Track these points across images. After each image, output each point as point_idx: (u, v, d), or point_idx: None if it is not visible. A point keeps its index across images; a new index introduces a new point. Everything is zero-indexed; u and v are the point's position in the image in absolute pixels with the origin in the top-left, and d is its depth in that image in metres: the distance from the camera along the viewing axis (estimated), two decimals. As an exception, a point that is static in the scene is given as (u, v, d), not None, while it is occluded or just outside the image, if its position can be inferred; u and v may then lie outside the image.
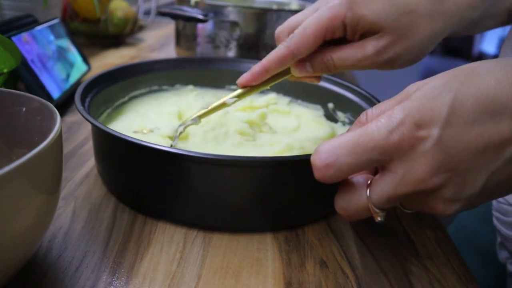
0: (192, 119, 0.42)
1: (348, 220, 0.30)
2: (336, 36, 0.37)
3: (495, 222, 0.55)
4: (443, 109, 0.25)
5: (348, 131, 0.30)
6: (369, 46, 0.36)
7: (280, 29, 0.40)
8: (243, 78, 0.39)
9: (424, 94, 0.26)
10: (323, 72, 0.39)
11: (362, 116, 0.29)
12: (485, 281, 0.63)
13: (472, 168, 0.25)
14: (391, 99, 0.29)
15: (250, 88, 0.40)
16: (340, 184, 0.30)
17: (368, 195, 0.28)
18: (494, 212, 0.55)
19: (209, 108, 0.41)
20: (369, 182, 0.28)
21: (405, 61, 0.38)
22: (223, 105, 0.41)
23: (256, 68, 0.38)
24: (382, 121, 0.26)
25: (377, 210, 0.28)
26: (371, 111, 0.29)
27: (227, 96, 0.41)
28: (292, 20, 0.39)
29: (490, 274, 0.63)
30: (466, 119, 0.25)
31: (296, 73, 0.39)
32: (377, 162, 0.27)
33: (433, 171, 0.25)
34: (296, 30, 0.37)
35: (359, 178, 0.29)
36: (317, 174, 0.27)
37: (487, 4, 0.40)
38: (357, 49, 0.37)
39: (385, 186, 0.27)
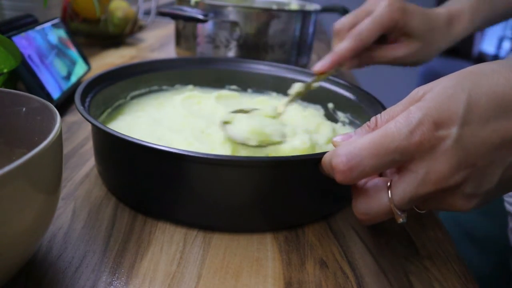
0: (291, 100, 0.48)
1: (366, 225, 0.31)
2: (385, 32, 0.51)
3: (507, 206, 0.55)
4: (460, 107, 0.26)
5: (355, 133, 0.31)
6: (402, 49, 0.53)
7: (340, 25, 0.52)
8: (322, 66, 0.49)
9: (438, 94, 0.27)
10: (364, 65, 0.55)
11: (372, 122, 0.30)
12: (480, 270, 0.63)
13: (489, 163, 0.26)
14: (397, 105, 0.30)
15: (318, 77, 0.50)
16: (354, 190, 0.31)
17: (390, 197, 0.28)
18: (506, 198, 0.55)
19: (300, 90, 0.49)
20: (388, 184, 0.28)
21: (420, 62, 0.55)
22: (309, 87, 0.49)
23: (333, 57, 0.49)
24: (401, 122, 0.26)
25: (399, 212, 0.28)
26: (380, 117, 0.30)
27: (308, 81, 0.50)
28: (349, 18, 0.52)
29: (487, 264, 0.63)
30: (482, 116, 0.26)
31: (346, 66, 0.53)
32: (398, 163, 0.27)
33: (454, 169, 0.26)
34: (363, 26, 0.49)
35: (376, 181, 0.30)
36: (340, 177, 0.28)
37: (489, 10, 0.55)
38: (393, 50, 0.53)
39: (407, 187, 0.27)
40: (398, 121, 0.27)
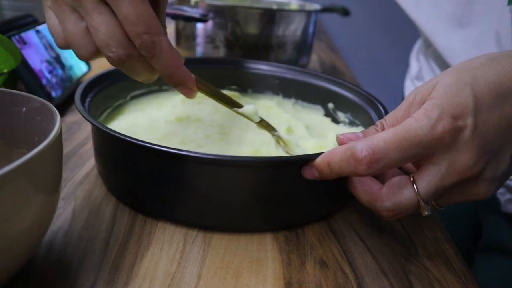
0: None
1: (390, 220, 0.33)
2: None
3: None
4: (469, 100, 0.28)
5: (364, 134, 0.32)
6: None
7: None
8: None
9: (445, 91, 0.29)
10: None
11: (378, 125, 0.32)
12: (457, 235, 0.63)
13: (501, 146, 0.29)
14: (397, 109, 0.32)
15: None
16: (361, 192, 0.32)
17: (416, 190, 0.29)
18: None
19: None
20: (411, 179, 0.30)
21: None
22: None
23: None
24: (421, 118, 0.28)
25: (424, 205, 0.30)
26: (385, 121, 0.32)
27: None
28: None
29: (462, 229, 0.63)
30: (488, 105, 0.28)
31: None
32: (419, 157, 0.29)
33: (476, 157, 0.28)
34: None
35: (398, 179, 0.31)
36: (364, 168, 0.29)
37: None
38: None
39: (432, 179, 0.29)
40: (417, 118, 0.28)
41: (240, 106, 0.40)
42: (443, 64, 0.59)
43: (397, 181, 0.31)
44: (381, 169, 0.29)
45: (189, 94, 0.36)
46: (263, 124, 0.42)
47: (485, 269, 0.57)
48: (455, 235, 0.62)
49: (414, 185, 0.29)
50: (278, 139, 0.43)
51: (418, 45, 0.69)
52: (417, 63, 0.68)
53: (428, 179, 0.29)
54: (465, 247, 0.63)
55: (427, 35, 0.57)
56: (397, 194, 0.30)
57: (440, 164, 0.28)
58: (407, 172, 0.33)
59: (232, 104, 0.39)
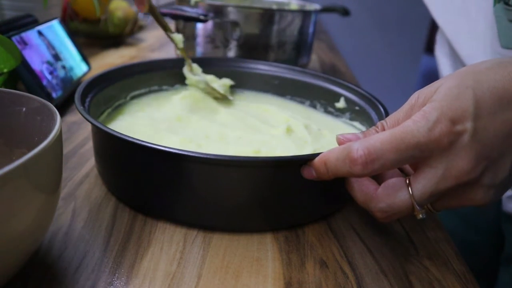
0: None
1: (384, 222, 0.33)
2: None
3: None
4: (469, 104, 0.27)
5: (363, 134, 0.32)
6: None
7: None
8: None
9: (446, 94, 0.28)
10: None
11: (379, 126, 0.32)
12: (467, 240, 0.62)
13: (501, 153, 0.28)
14: (399, 111, 0.31)
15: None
16: (358, 192, 0.32)
17: (411, 193, 0.29)
18: None
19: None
20: (407, 181, 0.30)
21: None
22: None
23: None
24: (419, 120, 0.28)
25: (419, 208, 0.29)
26: (385, 122, 0.31)
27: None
28: None
29: (476, 233, 0.63)
30: (489, 110, 0.28)
31: None
32: (416, 159, 0.28)
33: (473, 162, 0.27)
34: None
35: (394, 180, 0.31)
36: (359, 169, 0.28)
37: None
38: None
39: (428, 183, 0.28)
40: (415, 120, 0.28)
41: (172, 32, 0.55)
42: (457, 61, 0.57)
43: (393, 183, 0.30)
44: (377, 169, 0.28)
45: (140, 7, 0.50)
46: (183, 50, 0.56)
47: (508, 282, 0.55)
48: (477, 246, 0.61)
49: (409, 188, 0.29)
50: (188, 63, 0.55)
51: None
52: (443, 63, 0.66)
53: (423, 182, 0.28)
54: (490, 258, 0.62)
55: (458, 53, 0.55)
56: (392, 196, 0.30)
57: (437, 167, 0.28)
58: (406, 174, 0.33)
59: (165, 29, 0.55)
